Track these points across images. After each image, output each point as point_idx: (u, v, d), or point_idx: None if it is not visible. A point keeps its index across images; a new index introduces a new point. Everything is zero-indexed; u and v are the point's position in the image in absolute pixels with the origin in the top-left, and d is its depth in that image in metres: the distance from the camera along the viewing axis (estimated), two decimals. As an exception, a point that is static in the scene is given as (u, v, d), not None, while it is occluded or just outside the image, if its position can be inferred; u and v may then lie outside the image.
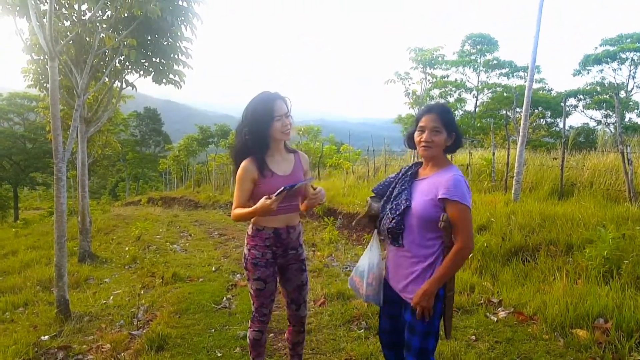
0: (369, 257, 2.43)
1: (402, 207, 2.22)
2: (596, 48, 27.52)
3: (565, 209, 5.91)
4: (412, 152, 11.43)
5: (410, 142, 2.38)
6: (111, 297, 5.31)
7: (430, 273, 2.19)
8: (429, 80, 10.29)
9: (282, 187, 2.36)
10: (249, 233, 2.67)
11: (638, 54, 25.63)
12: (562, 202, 6.43)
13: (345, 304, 4.53)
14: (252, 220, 2.63)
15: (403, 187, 2.32)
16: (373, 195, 2.50)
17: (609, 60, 26.56)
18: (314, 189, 2.61)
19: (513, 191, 6.94)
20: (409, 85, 10.18)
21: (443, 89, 28.23)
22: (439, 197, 2.13)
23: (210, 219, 13.84)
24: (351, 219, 8.84)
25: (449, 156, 2.39)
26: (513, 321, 3.89)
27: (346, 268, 6.16)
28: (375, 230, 2.44)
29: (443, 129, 2.22)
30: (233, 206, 2.59)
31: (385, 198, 2.40)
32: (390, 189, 2.41)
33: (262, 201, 2.38)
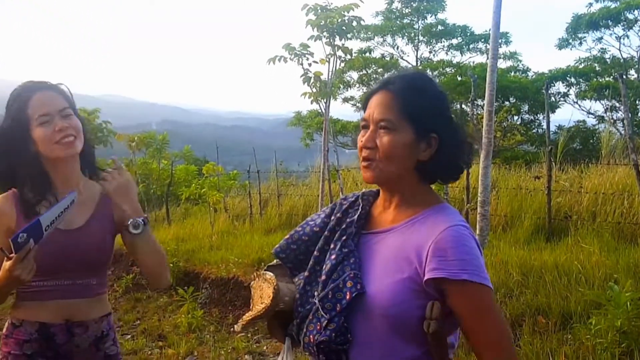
0: None
1: (347, 297, 1.09)
2: (590, 5, 20.05)
3: (557, 256, 4.96)
4: (316, 175, 8.64)
5: None
6: None
7: None
8: (339, 56, 7.47)
9: (13, 236, 1.43)
10: (4, 332, 1.93)
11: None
12: (552, 245, 5.38)
13: None
14: (10, 309, 1.88)
15: (346, 250, 1.17)
16: (274, 263, 1.31)
17: (609, 22, 19.30)
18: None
19: (478, 231, 5.22)
20: (309, 65, 7.24)
21: (363, 71, 20.11)
22: (427, 276, 1.05)
23: None
24: (224, 288, 5.98)
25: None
26: None
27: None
28: (288, 340, 1.23)
29: (403, 124, 1.12)
30: None
31: (306, 272, 1.21)
32: (316, 252, 1.21)
33: (4, 265, 1.58)
